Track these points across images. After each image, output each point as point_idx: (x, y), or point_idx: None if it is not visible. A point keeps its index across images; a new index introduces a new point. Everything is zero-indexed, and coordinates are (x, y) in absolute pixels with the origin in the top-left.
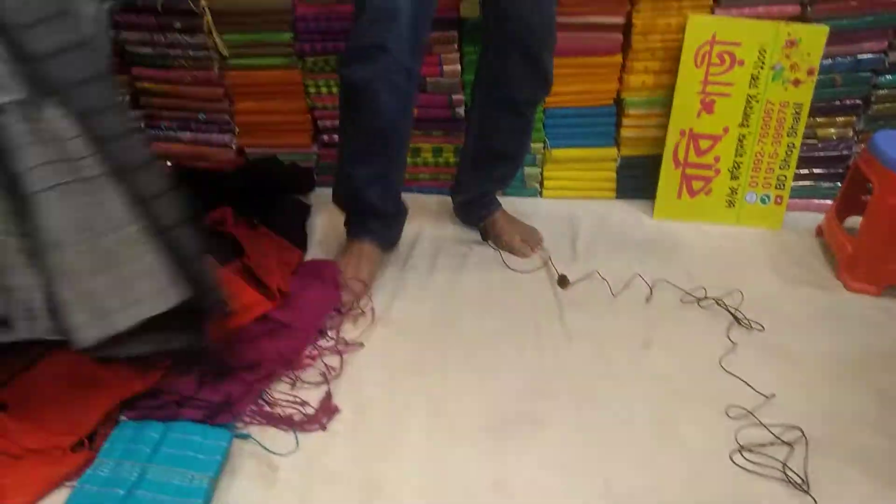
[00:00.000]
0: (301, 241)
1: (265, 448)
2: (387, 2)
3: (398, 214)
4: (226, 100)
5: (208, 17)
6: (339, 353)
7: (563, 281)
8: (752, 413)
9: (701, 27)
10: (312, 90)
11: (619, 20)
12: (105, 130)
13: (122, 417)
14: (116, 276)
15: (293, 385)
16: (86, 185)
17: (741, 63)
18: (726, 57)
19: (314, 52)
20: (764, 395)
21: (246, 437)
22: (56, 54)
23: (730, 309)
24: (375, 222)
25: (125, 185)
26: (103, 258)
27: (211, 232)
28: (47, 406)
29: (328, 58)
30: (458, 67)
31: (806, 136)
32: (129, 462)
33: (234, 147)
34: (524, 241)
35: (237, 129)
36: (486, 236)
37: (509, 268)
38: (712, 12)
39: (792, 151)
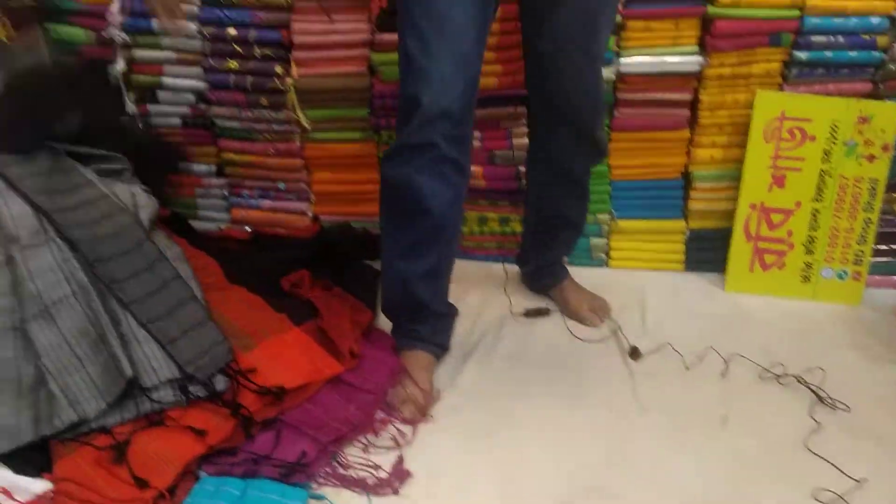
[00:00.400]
0: (372, 304)
1: None
2: (438, 105)
3: (447, 316)
4: (304, 170)
5: (293, 95)
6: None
7: (634, 353)
8: (842, 497)
9: (770, 103)
10: None
11: (687, 96)
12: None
13: (202, 473)
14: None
15: (365, 448)
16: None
17: (812, 139)
18: (797, 132)
19: (389, 127)
20: (854, 480)
21: (321, 497)
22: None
23: (812, 387)
24: (425, 327)
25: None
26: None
27: (288, 294)
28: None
29: None
30: (527, 141)
31: (883, 212)
32: None
33: (309, 215)
34: (592, 311)
35: (314, 198)
36: (539, 312)
37: (577, 337)
38: (781, 88)
39: (869, 227)
